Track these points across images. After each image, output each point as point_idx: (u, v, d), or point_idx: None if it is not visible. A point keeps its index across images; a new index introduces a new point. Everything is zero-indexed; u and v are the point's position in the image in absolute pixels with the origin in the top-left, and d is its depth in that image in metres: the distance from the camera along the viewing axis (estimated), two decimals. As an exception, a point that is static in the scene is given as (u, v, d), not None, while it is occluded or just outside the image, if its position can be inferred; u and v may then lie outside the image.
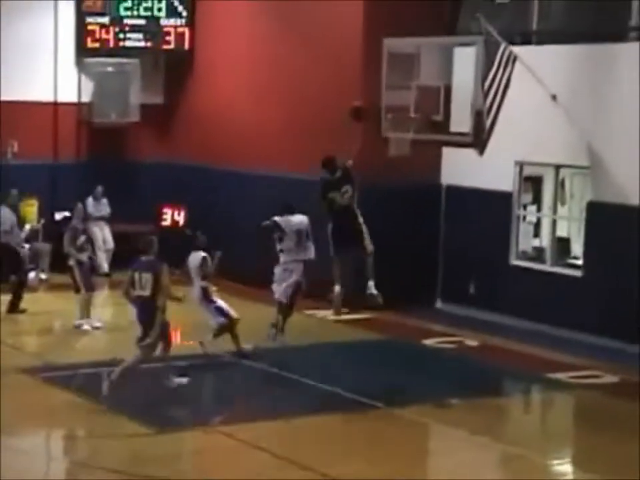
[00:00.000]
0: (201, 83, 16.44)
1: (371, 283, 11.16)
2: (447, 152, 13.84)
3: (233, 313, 11.19)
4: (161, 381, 10.02)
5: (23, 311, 13.25)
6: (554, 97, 12.76)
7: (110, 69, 16.21)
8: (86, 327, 12.52)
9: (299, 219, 11.44)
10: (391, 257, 12.83)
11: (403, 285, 12.99)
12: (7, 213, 13.59)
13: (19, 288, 13.30)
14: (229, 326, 11.13)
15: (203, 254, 11.08)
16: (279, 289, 11.45)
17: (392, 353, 12.17)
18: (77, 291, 12.65)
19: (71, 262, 12.69)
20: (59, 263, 13.77)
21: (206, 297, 11.12)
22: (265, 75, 15.36)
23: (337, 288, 11.25)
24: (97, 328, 12.57)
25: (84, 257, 12.67)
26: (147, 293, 9.67)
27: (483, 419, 9.73)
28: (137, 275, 9.73)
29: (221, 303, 11.19)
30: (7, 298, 13.18)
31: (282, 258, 11.42)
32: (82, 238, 12.73)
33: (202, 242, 11.21)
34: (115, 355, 10.84)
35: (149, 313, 9.75)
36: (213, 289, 11.26)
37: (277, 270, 11.46)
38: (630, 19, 12.68)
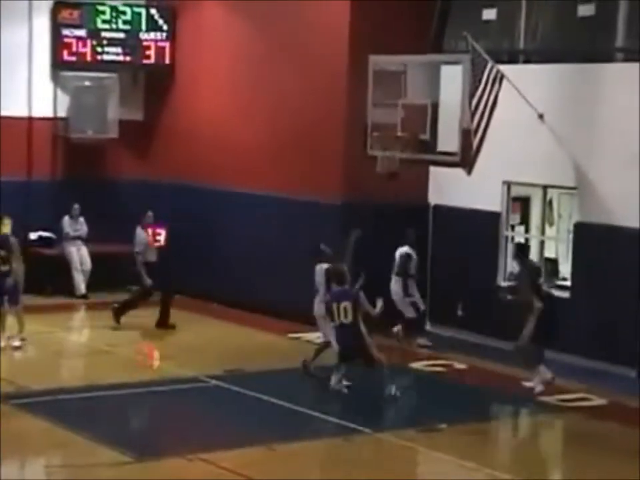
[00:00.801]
0: (182, 98, 16.20)
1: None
2: (434, 171, 13.72)
3: None
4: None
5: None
6: (541, 116, 12.68)
7: (87, 83, 15.90)
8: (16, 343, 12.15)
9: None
10: (378, 278, 12.61)
11: (390, 307, 12.75)
12: (141, 234, 13.57)
13: (132, 301, 13.54)
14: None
15: (325, 266, 11.22)
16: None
17: (379, 376, 11.94)
18: None
19: None
20: (32, 285, 13.44)
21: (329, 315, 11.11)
22: (248, 90, 15.18)
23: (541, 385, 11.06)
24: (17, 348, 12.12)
25: None
26: (348, 320, 10.46)
27: (471, 442, 9.61)
28: (334, 306, 10.49)
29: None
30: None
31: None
32: None
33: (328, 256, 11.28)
34: (92, 380, 10.51)
35: (354, 340, 10.46)
36: None
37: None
38: (616, 40, 12.65)
